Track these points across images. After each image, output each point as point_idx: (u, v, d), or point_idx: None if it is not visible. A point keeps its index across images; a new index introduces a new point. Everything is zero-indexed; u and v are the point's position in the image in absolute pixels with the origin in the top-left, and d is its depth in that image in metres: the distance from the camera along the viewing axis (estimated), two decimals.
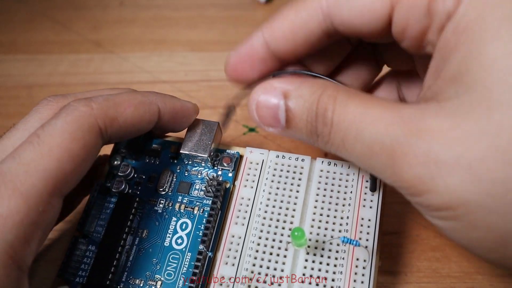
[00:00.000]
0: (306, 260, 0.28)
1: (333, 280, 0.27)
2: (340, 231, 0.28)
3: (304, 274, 0.27)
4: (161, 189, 0.32)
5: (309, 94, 0.24)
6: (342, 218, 0.29)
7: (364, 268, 0.27)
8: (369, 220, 0.29)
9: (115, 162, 0.32)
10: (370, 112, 0.22)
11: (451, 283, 0.34)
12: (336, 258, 0.28)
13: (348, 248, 0.28)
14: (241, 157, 0.32)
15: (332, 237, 0.28)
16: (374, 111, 0.22)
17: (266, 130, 0.26)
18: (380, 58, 0.32)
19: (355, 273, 0.27)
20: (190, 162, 0.32)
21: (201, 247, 0.28)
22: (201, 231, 0.30)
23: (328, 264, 0.27)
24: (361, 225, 0.29)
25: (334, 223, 0.29)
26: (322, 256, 0.28)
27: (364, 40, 0.27)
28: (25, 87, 0.43)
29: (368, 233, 0.28)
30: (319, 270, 0.27)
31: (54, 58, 0.44)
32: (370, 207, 0.29)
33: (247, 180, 0.31)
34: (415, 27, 0.23)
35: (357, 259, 0.28)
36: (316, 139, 0.24)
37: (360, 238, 0.28)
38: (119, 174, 0.32)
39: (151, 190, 0.32)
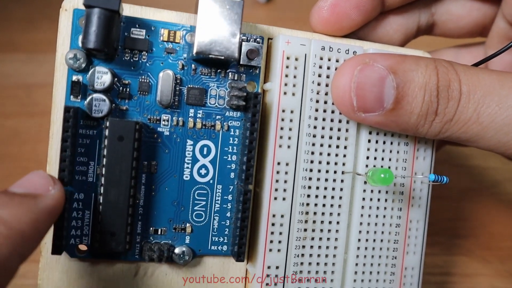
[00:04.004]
0: (364, 191, 0.24)
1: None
2: (399, 143, 0.24)
3: (363, 207, 0.24)
4: (163, 102, 0.22)
5: (423, 66, 0.20)
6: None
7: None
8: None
9: (76, 64, 0.20)
10: (507, 79, 0.20)
11: None
12: (393, 193, 0.24)
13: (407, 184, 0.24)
14: (269, 45, 0.23)
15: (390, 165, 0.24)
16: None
17: (358, 116, 0.21)
18: None
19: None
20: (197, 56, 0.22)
21: (242, 187, 0.22)
22: (229, 155, 0.23)
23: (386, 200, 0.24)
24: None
25: (392, 135, 0.24)
26: (380, 192, 0.24)
27: None
28: (24, 86, 0.42)
29: (425, 142, 0.25)
30: (378, 199, 0.24)
31: (53, 57, 0.42)
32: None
33: (286, 85, 0.22)
34: None
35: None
36: (432, 120, 0.21)
37: (417, 149, 0.25)
38: (97, 87, 0.20)
39: (146, 103, 0.22)
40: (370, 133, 0.24)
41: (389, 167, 0.24)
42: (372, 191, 0.24)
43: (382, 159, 0.24)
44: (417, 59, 0.20)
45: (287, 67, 0.22)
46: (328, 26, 0.24)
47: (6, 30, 0.45)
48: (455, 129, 0.21)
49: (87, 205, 0.21)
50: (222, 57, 0.21)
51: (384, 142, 0.24)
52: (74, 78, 0.21)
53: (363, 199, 0.24)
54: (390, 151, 0.24)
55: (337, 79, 0.21)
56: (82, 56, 0.20)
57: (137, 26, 0.21)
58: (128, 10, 0.21)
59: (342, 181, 0.23)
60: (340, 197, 0.23)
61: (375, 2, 0.24)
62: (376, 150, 0.24)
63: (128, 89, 0.21)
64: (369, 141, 0.24)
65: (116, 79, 0.21)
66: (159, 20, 0.22)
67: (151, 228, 0.22)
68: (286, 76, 0.22)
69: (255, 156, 0.22)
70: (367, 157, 0.24)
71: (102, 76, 0.20)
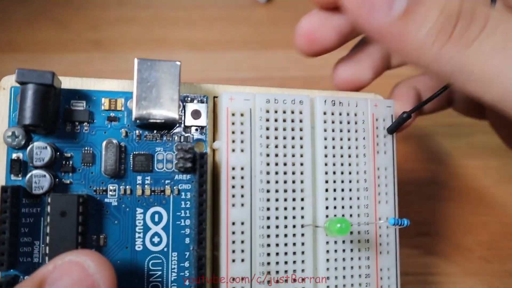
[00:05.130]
0: (327, 243, 0.23)
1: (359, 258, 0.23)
2: (358, 189, 0.23)
3: (328, 260, 0.23)
4: (107, 172, 0.21)
5: None
6: (358, 172, 0.24)
7: (388, 236, 0.24)
8: (386, 168, 0.24)
9: (15, 142, 0.20)
10: None
11: None
12: (358, 232, 0.23)
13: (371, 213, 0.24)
14: (215, 103, 0.23)
15: (351, 198, 0.23)
16: None
17: (360, 19, 0.18)
18: None
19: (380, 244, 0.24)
20: (138, 121, 0.21)
21: (197, 252, 0.21)
22: (182, 220, 0.22)
23: (351, 250, 0.23)
24: (378, 177, 0.24)
25: (350, 181, 0.23)
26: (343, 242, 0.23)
27: None
28: None
29: (386, 185, 0.24)
30: (343, 250, 0.23)
31: (54, 57, 0.44)
32: (385, 153, 0.24)
33: (233, 142, 0.22)
34: None
35: (380, 218, 0.24)
36: (443, 43, 0.17)
37: (379, 194, 0.24)
38: (36, 164, 0.20)
39: (91, 175, 0.21)
40: (326, 181, 0.23)
41: (350, 215, 0.23)
42: (335, 242, 0.23)
43: (343, 207, 0.23)
44: None
45: (233, 123, 0.22)
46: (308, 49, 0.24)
47: (6, 30, 0.44)
48: (471, 60, 0.17)
49: None
50: (163, 121, 0.20)
51: (342, 190, 0.23)
52: (14, 156, 0.20)
53: (327, 251, 0.23)
54: (350, 198, 0.23)
55: None
56: (20, 133, 0.20)
57: (76, 97, 0.21)
58: (68, 83, 0.21)
59: (302, 235, 0.22)
60: (303, 252, 0.22)
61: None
62: (335, 198, 0.23)
63: (71, 162, 0.21)
64: (326, 190, 0.23)
65: (58, 153, 0.21)
66: (99, 89, 0.22)
67: None
68: (233, 133, 0.22)
69: (207, 219, 0.21)
70: (327, 207, 0.23)
71: (41, 151, 0.20)
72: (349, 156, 0.24)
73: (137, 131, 0.22)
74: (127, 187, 0.21)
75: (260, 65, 0.42)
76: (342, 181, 0.23)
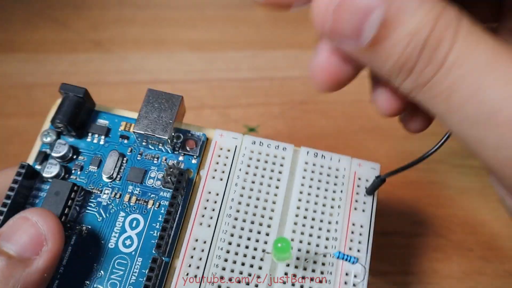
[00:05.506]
0: (286, 274, 0.23)
1: None
2: (327, 238, 0.24)
3: None
4: (106, 176, 0.25)
5: (425, 10, 0.16)
6: (330, 222, 0.24)
7: (354, 286, 0.23)
8: (362, 226, 0.24)
9: (47, 139, 0.26)
10: (504, 66, 0.16)
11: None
12: (322, 272, 0.23)
13: (337, 262, 0.23)
14: (208, 140, 0.26)
15: (318, 245, 0.23)
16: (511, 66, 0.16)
17: (331, 42, 0.19)
18: None
19: None
20: (144, 144, 0.26)
21: (155, 252, 0.23)
22: (155, 231, 0.24)
23: (312, 280, 0.23)
24: (352, 232, 0.24)
25: (320, 228, 0.24)
26: (305, 269, 0.23)
27: None
28: (24, 86, 0.42)
29: (360, 242, 0.24)
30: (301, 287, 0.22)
31: (53, 57, 0.44)
32: (363, 211, 0.24)
33: (215, 171, 0.25)
34: None
35: (347, 274, 0.23)
36: (405, 77, 0.18)
37: (350, 249, 0.24)
38: (53, 154, 0.25)
39: (94, 176, 0.25)
40: (295, 223, 0.24)
41: (314, 262, 0.23)
42: (294, 275, 0.22)
43: (307, 251, 0.23)
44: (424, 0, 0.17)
45: (218, 155, 0.25)
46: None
47: (6, 30, 0.44)
48: (424, 98, 0.18)
49: None
50: (155, 136, 0.24)
51: (310, 235, 0.24)
52: (43, 149, 0.26)
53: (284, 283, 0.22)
54: (317, 245, 0.23)
55: None
56: (53, 133, 0.26)
57: (104, 117, 0.27)
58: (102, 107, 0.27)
59: (260, 268, 0.23)
60: (258, 277, 0.22)
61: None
62: (301, 241, 0.23)
63: (82, 163, 0.26)
64: (293, 231, 0.24)
65: (75, 154, 0.26)
66: (121, 115, 0.27)
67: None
68: (217, 163, 0.25)
69: (169, 227, 0.23)
70: (294, 231, 0.23)
71: (60, 146, 0.25)
72: (324, 205, 0.24)
73: (140, 150, 0.26)
74: (118, 192, 0.25)
75: (260, 65, 0.42)
76: (312, 227, 0.24)
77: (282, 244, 0.20)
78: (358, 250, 0.24)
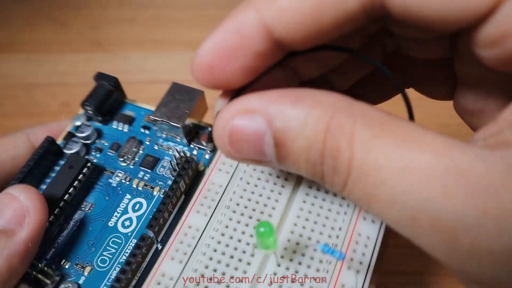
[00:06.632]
0: (275, 273, 0.21)
1: None
2: (326, 244, 0.21)
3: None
4: (121, 159, 0.26)
5: (312, 122, 0.16)
6: (333, 228, 0.22)
7: None
8: (368, 237, 0.22)
9: (78, 122, 0.27)
10: (414, 162, 0.14)
11: None
12: (317, 270, 0.21)
13: (333, 268, 0.21)
14: None
15: (315, 250, 0.21)
16: (420, 159, 0.14)
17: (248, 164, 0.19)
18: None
19: None
20: (164, 136, 0.26)
21: (146, 231, 0.22)
22: None
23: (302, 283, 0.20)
24: (357, 242, 0.22)
25: (321, 233, 0.22)
26: (299, 264, 0.21)
27: (424, 34, 0.18)
28: (25, 86, 0.43)
29: (363, 254, 0.21)
30: None
31: (54, 57, 0.44)
32: (373, 221, 0.22)
33: (223, 164, 0.24)
34: None
35: (343, 286, 0.21)
36: (323, 184, 0.17)
37: (352, 259, 0.21)
38: (77, 134, 0.27)
39: (111, 159, 0.26)
40: (301, 209, 0.22)
41: (311, 258, 0.21)
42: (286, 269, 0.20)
43: (309, 238, 0.21)
44: (310, 108, 0.16)
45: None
46: (207, 81, 0.20)
47: (7, 30, 0.44)
48: (353, 201, 0.17)
49: None
50: (168, 123, 0.25)
51: (315, 222, 0.22)
52: (72, 131, 0.27)
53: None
54: (320, 233, 0.21)
55: (215, 124, 0.18)
56: (83, 118, 0.27)
57: (131, 109, 0.28)
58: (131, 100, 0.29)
59: (251, 255, 0.21)
60: (244, 272, 0.21)
61: (266, 57, 0.18)
62: (304, 227, 0.22)
63: (103, 147, 0.27)
64: (295, 223, 0.22)
65: (99, 138, 0.27)
66: (147, 108, 0.28)
67: (58, 258, 0.23)
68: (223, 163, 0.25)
69: (165, 209, 0.23)
70: (292, 232, 0.21)
71: (85, 128, 0.27)
72: (329, 210, 0.22)
73: (159, 141, 0.27)
74: (129, 176, 0.25)
75: None
76: (312, 230, 0.22)
77: (264, 228, 0.19)
78: (360, 262, 0.21)
